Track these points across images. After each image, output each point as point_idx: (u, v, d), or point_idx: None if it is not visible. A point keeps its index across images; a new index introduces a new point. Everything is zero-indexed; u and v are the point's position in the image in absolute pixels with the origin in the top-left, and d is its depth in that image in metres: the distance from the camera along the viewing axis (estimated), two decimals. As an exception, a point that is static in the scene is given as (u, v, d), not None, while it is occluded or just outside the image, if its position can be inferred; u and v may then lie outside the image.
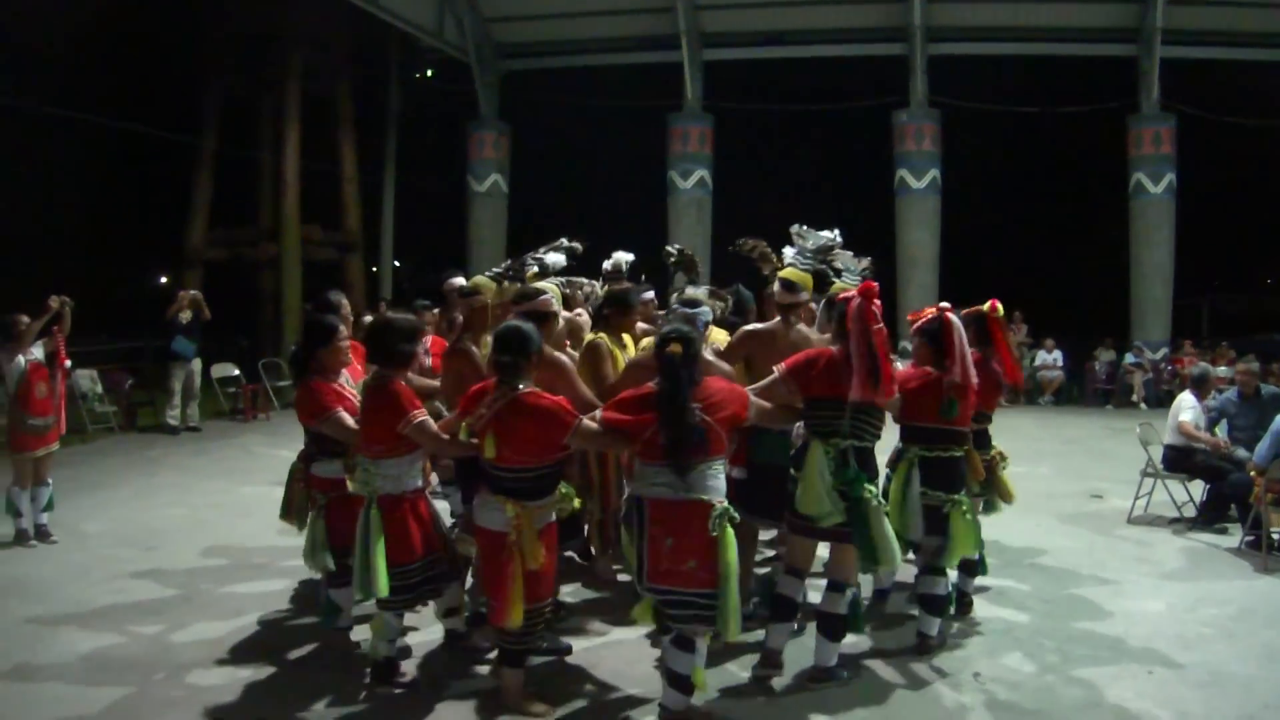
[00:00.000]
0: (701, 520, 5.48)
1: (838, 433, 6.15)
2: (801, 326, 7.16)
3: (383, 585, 5.80)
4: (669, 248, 9.86)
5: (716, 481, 5.62)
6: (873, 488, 6.14)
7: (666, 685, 5.68)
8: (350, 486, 6.28)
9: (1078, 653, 6.97)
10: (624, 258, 9.48)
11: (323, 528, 6.61)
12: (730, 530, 5.49)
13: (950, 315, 6.80)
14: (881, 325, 6.06)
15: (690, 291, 7.62)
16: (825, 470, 6.07)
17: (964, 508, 6.76)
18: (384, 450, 6.01)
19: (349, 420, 6.40)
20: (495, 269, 7.43)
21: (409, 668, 6.45)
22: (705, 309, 7.06)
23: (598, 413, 5.83)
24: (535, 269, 7.46)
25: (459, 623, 6.71)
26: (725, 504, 5.54)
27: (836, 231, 8.02)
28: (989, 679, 6.48)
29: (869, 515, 6.07)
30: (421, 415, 5.99)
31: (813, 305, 7.42)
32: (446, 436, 5.98)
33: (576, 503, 6.02)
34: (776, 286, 7.27)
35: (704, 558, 5.46)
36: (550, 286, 7.13)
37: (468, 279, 7.86)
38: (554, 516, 5.90)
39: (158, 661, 6.69)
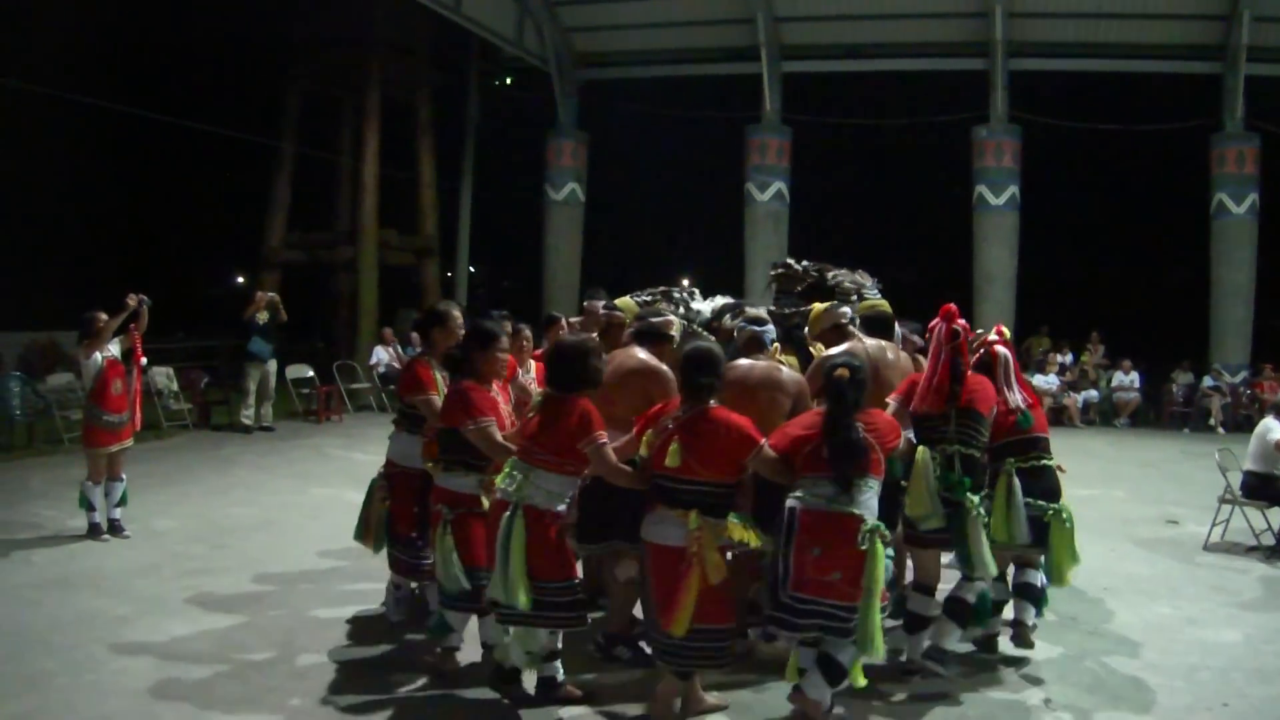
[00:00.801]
0: (851, 534, 5.55)
1: (944, 439, 6.56)
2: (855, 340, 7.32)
3: (524, 597, 5.66)
4: (777, 263, 9.78)
5: (869, 498, 5.69)
6: (975, 497, 6.44)
7: (817, 671, 5.76)
8: (495, 487, 5.97)
9: (1152, 681, 6.82)
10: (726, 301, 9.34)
11: (452, 544, 6.22)
12: (880, 546, 5.54)
13: (996, 348, 7.09)
14: (961, 342, 6.59)
15: (752, 310, 7.64)
16: (930, 474, 6.42)
17: (1064, 516, 6.80)
18: (551, 463, 5.86)
19: (496, 433, 6.23)
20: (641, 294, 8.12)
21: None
22: (770, 327, 7.08)
23: (765, 441, 5.83)
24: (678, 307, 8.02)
25: (557, 669, 6.17)
26: (877, 521, 5.62)
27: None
28: (1060, 705, 6.36)
29: (968, 523, 6.39)
30: (605, 439, 5.88)
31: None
32: (624, 466, 5.96)
33: (754, 539, 5.85)
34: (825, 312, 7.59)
35: (849, 571, 5.54)
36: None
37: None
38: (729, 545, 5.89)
39: (226, 657, 6.75)
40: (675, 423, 5.74)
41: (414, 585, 7.65)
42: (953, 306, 6.75)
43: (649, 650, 6.27)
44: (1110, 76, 24.68)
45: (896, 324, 7.94)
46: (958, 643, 6.96)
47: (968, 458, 6.53)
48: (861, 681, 5.79)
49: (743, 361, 6.84)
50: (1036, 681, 6.75)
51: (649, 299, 8.19)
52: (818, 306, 7.64)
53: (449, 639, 6.52)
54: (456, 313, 7.28)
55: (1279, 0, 21.91)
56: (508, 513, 5.76)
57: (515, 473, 5.87)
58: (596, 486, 6.38)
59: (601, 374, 6.11)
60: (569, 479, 5.97)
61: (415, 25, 24.43)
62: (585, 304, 9.49)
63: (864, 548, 5.50)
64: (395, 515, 7.23)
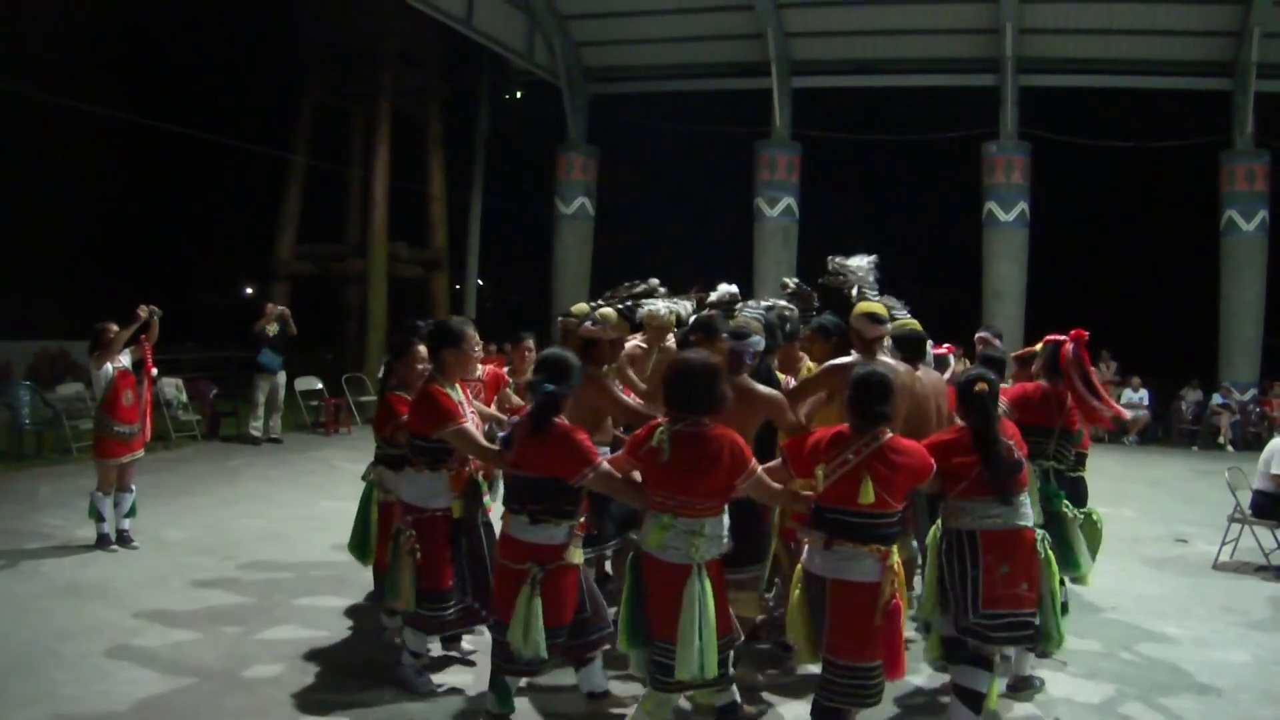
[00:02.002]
0: (1031, 546, 5.92)
1: (1044, 454, 7.14)
2: (884, 358, 7.06)
3: (713, 665, 5.30)
4: (786, 280, 9.63)
5: (1029, 507, 6.01)
6: (1069, 505, 7.22)
7: (957, 703, 5.90)
8: (661, 554, 5.40)
9: (1160, 701, 6.82)
10: (729, 289, 9.34)
11: (540, 607, 5.51)
12: (1050, 552, 6.15)
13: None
14: (1093, 367, 7.48)
15: (742, 318, 7.59)
16: (1034, 484, 6.76)
17: (1095, 519, 7.58)
18: (714, 506, 5.44)
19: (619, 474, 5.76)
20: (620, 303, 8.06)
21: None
22: (757, 338, 6.88)
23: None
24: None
25: (734, 692, 5.86)
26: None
27: (874, 258, 8.38)
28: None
29: (1066, 525, 7.11)
30: (758, 466, 5.54)
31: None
32: (777, 486, 5.65)
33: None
34: (861, 320, 7.20)
35: (1032, 580, 5.88)
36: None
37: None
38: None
39: (233, 670, 6.76)
40: (857, 455, 5.39)
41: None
42: (1084, 332, 7.38)
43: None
44: (1120, 93, 24.65)
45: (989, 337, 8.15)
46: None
47: (1058, 471, 7.30)
48: (994, 704, 6.15)
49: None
50: (1046, 701, 6.74)
51: (626, 301, 8.15)
52: (866, 306, 7.40)
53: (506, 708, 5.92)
54: (472, 331, 6.68)
55: (1289, 18, 21.93)
56: (690, 578, 5.31)
57: (681, 529, 5.37)
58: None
59: (726, 398, 5.54)
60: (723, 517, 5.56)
61: (426, 38, 24.49)
62: (561, 320, 9.36)
63: (1042, 557, 6.02)
64: (431, 568, 6.31)
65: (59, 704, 6.11)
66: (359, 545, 7.57)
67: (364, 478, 7.64)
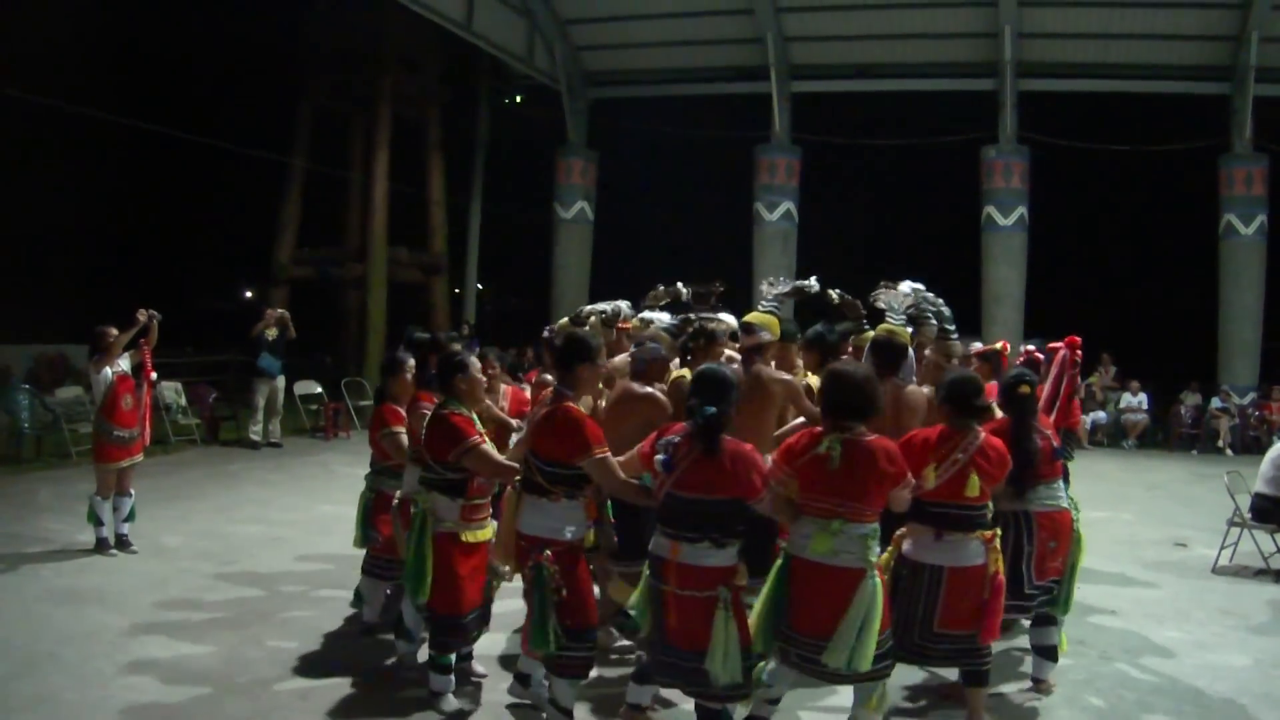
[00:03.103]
0: (1070, 524, 6.90)
1: None
2: (766, 368, 7.32)
3: (868, 660, 5.41)
4: (832, 292, 9.45)
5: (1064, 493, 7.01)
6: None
7: (1039, 659, 6.97)
8: (831, 559, 5.40)
9: (1160, 705, 6.84)
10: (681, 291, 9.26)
11: (736, 630, 5.34)
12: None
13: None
14: (1076, 371, 7.97)
15: (652, 329, 8.05)
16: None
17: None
18: (878, 512, 5.55)
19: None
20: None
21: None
22: (656, 346, 7.34)
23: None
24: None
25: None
26: None
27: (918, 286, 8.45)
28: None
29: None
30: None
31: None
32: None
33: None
34: (740, 330, 7.61)
35: (1067, 554, 6.89)
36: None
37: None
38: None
39: (232, 675, 6.76)
40: (965, 453, 5.94)
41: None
42: (1078, 339, 7.84)
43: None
44: (1119, 97, 24.66)
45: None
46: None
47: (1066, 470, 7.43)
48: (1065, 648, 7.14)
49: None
50: (1046, 705, 6.75)
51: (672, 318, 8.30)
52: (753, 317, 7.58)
53: None
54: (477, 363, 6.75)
55: (1288, 22, 21.95)
56: (865, 580, 5.36)
57: (853, 534, 5.40)
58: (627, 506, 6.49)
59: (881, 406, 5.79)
60: None
61: (426, 42, 24.51)
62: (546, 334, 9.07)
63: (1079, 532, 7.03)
64: (577, 603, 5.85)
65: (59, 709, 6.12)
66: (417, 580, 6.32)
67: (393, 504, 7.13)
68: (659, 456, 5.43)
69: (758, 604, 5.63)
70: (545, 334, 8.78)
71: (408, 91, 25.09)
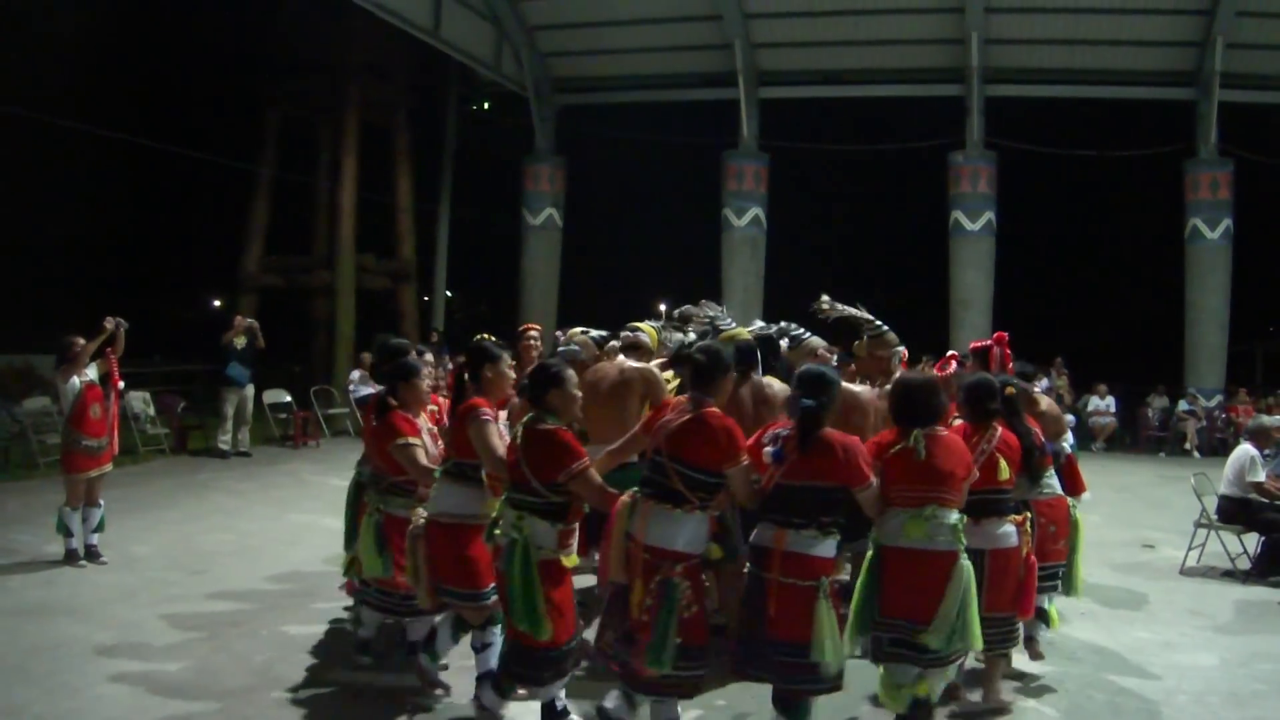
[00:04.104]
0: (1066, 509, 7.58)
1: None
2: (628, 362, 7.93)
3: (978, 638, 5.91)
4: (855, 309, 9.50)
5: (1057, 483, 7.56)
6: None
7: (1035, 620, 7.14)
8: (928, 544, 5.72)
9: (1129, 705, 6.89)
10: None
11: (834, 618, 5.55)
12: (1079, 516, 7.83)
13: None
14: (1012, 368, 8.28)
15: (579, 336, 8.45)
16: None
17: None
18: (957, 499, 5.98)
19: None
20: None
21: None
22: (576, 349, 8.07)
23: None
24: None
25: None
26: None
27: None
28: (1037, 728, 6.39)
29: None
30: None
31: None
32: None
33: None
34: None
35: (1067, 536, 7.55)
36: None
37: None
38: None
39: (203, 685, 6.72)
40: (990, 443, 6.41)
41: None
42: (1004, 335, 8.45)
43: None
44: (1085, 103, 24.85)
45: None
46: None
47: None
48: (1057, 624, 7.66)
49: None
50: (1014, 706, 6.78)
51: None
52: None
53: None
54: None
55: (1252, 27, 22.17)
56: (958, 562, 5.74)
57: (944, 520, 5.73)
58: None
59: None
60: None
61: (393, 49, 24.44)
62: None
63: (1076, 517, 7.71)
64: (699, 620, 5.60)
65: (28, 721, 6.07)
66: (532, 618, 5.64)
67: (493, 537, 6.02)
68: (769, 449, 5.63)
69: (854, 598, 5.93)
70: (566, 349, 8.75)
71: (375, 98, 25.05)
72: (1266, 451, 11.13)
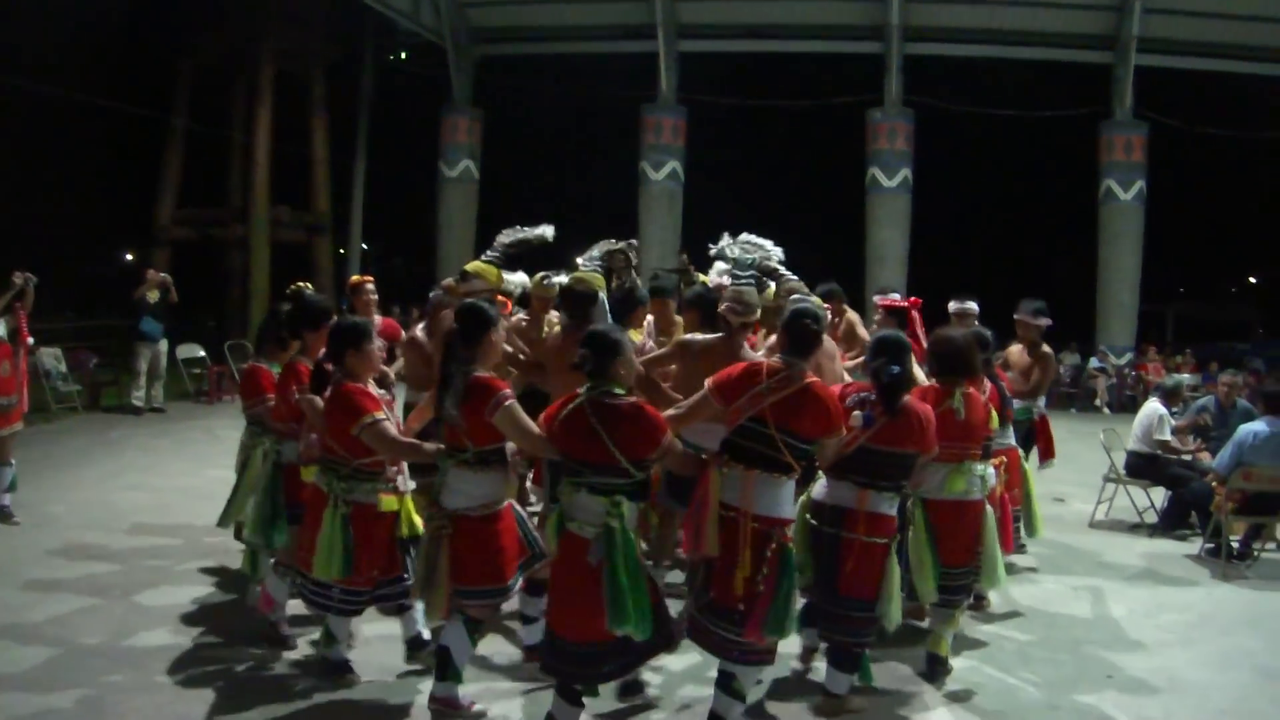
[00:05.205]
0: (1019, 459, 8.27)
1: None
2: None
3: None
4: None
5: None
6: None
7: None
8: (966, 496, 6.44)
9: (1037, 655, 7.04)
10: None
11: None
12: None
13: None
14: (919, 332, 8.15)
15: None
16: None
17: None
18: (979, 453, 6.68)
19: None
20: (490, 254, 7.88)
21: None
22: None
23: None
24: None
25: None
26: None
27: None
28: (950, 680, 6.52)
29: None
30: None
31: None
32: None
33: None
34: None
35: (1020, 484, 8.24)
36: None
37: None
38: None
39: (118, 642, 6.69)
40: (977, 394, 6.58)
41: None
42: (919, 300, 8.59)
43: None
44: (1004, 63, 25.07)
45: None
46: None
47: None
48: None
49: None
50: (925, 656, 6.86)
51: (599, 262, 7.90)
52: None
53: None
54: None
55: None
56: (987, 509, 6.54)
57: (976, 473, 6.40)
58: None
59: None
60: None
61: (309, -1, 24.15)
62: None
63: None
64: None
65: (-59, 684, 5.99)
66: (641, 618, 5.19)
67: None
68: (857, 413, 5.79)
69: (921, 555, 6.26)
70: (432, 295, 8.52)
71: (291, 48, 24.73)
72: (1175, 410, 11.39)
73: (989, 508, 6.53)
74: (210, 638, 6.87)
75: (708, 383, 5.59)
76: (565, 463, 5.36)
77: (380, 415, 5.81)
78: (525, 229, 8.11)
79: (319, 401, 6.04)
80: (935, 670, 6.55)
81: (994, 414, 6.81)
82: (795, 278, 7.65)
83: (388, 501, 5.99)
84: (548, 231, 8.07)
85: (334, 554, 5.77)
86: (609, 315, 7.11)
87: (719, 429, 5.62)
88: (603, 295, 7.27)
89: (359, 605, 6.12)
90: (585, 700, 5.42)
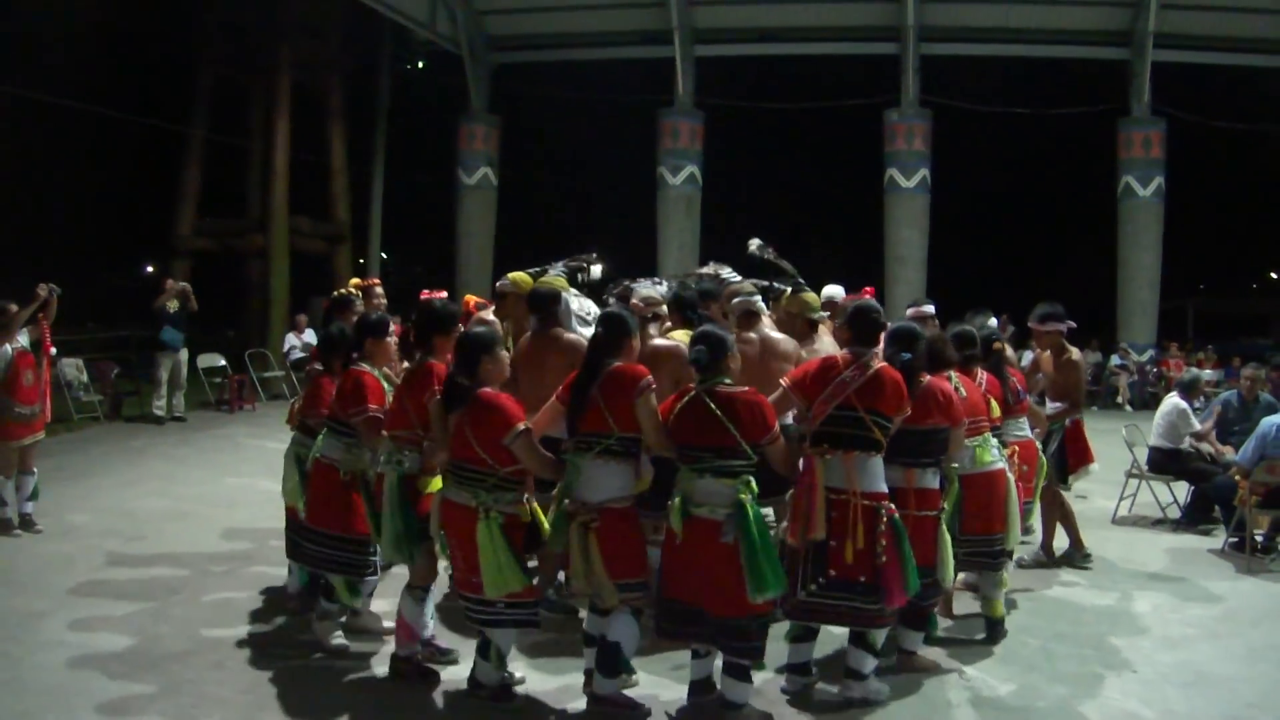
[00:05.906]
0: (1035, 451, 8.22)
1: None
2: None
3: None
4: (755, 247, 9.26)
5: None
6: None
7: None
8: (991, 467, 7.04)
9: (1061, 651, 6.99)
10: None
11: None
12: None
13: None
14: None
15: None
16: None
17: None
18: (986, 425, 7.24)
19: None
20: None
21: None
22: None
23: None
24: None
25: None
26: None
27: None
28: (973, 677, 6.49)
29: None
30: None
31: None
32: None
33: None
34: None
35: (1035, 476, 8.21)
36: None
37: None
38: None
39: (144, 650, 6.68)
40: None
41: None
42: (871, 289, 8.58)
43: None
44: (1019, 61, 25.02)
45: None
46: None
47: None
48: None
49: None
50: (950, 653, 6.86)
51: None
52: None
53: None
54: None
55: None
56: (1008, 477, 7.11)
57: (996, 444, 7.13)
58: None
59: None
60: None
61: (326, 9, 24.16)
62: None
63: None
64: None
65: (-35, 691, 6.01)
66: (777, 579, 5.53)
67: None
68: None
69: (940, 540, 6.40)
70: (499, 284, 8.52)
71: (308, 59, 24.74)
72: (1196, 404, 11.38)
73: (1009, 474, 7.10)
74: (232, 644, 6.87)
75: (784, 381, 6.20)
76: (680, 455, 5.67)
77: (526, 424, 5.68)
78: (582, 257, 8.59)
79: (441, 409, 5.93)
80: (994, 633, 7.16)
81: (993, 402, 7.31)
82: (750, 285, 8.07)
83: (529, 510, 5.82)
84: (595, 269, 8.57)
85: (505, 567, 5.56)
86: (573, 318, 7.43)
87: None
88: (566, 296, 7.47)
89: (532, 615, 5.86)
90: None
